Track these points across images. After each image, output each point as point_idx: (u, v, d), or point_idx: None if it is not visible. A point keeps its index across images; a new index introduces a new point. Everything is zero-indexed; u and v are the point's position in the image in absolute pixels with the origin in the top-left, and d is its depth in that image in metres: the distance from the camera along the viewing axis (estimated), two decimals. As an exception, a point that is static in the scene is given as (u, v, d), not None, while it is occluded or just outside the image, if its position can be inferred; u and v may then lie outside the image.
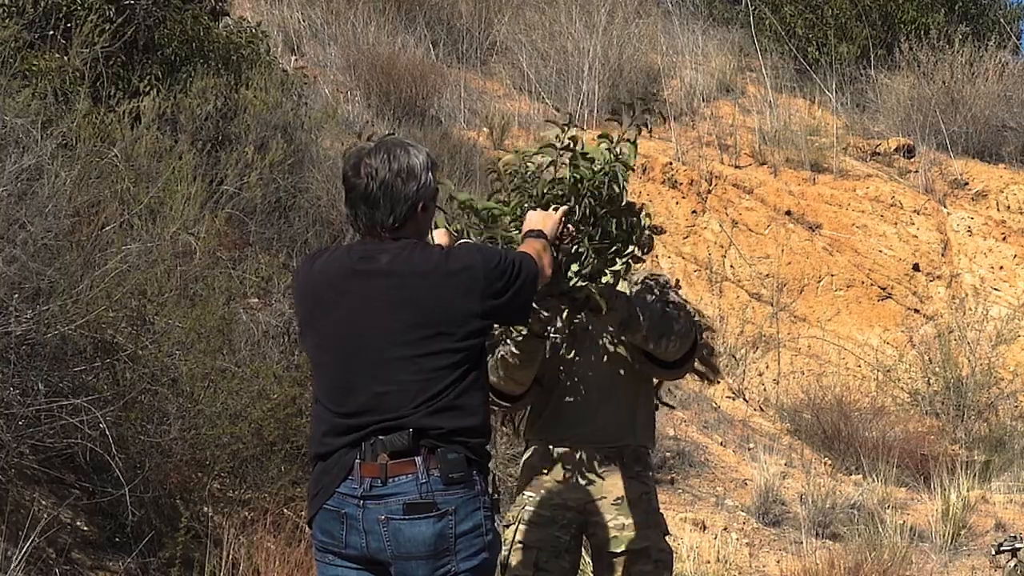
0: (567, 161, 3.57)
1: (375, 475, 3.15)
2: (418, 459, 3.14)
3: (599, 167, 3.56)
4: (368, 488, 3.15)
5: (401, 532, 3.14)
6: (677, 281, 4.09)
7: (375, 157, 3.26)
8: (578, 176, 3.55)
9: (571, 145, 3.57)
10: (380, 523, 3.14)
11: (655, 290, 3.90)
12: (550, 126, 3.63)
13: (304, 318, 3.36)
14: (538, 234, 3.47)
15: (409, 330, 3.19)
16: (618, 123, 3.68)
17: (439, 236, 3.54)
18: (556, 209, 3.51)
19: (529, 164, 3.63)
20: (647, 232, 3.66)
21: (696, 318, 3.92)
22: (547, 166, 3.60)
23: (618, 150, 3.60)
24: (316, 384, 3.34)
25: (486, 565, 3.21)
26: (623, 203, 3.60)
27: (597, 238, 3.56)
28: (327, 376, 3.28)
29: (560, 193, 3.55)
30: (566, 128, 3.58)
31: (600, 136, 3.64)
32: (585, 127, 11.42)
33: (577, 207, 3.55)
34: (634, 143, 3.64)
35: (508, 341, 3.74)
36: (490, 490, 3.23)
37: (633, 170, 3.69)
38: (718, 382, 4.30)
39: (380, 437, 3.16)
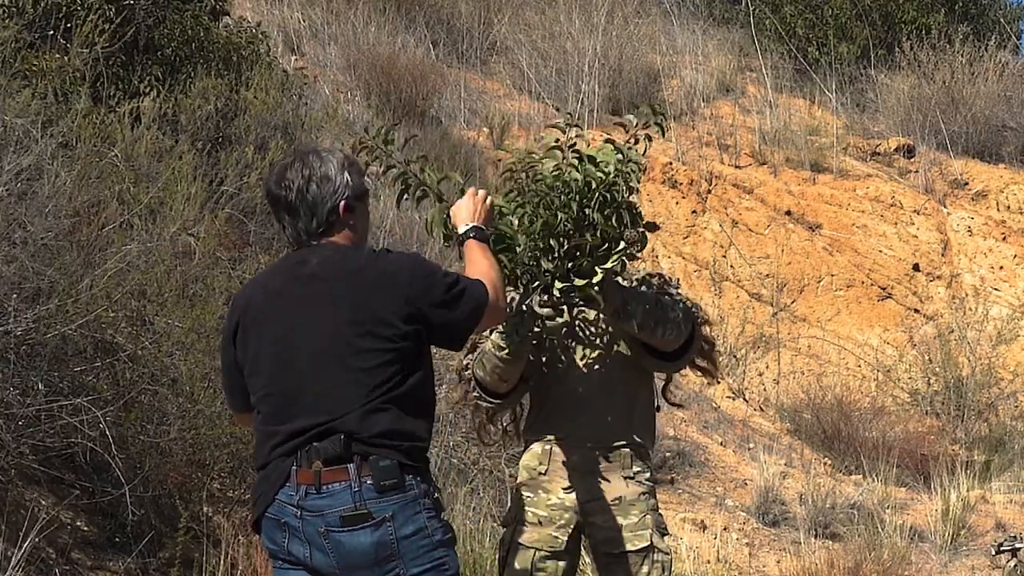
0: (574, 163, 3.57)
1: (309, 482, 3.14)
2: (351, 467, 3.12)
3: (610, 168, 3.56)
4: (304, 495, 3.14)
5: (342, 544, 3.12)
6: (678, 280, 4.09)
7: (291, 169, 3.29)
8: (587, 178, 3.54)
9: (576, 146, 3.57)
10: (320, 535, 3.14)
11: (652, 284, 3.90)
12: (552, 130, 3.64)
13: (238, 330, 3.35)
14: (477, 234, 3.43)
15: (338, 330, 3.19)
16: (624, 128, 3.68)
17: (467, 197, 3.52)
18: (475, 194, 3.47)
19: (538, 167, 3.62)
20: (641, 229, 3.66)
21: (694, 310, 3.92)
22: (553, 169, 3.60)
23: (630, 150, 3.60)
24: (255, 398, 3.33)
25: (443, 566, 3.18)
26: (633, 206, 3.61)
27: (593, 237, 3.56)
28: (264, 387, 3.28)
29: (568, 194, 3.54)
30: (568, 128, 3.58)
31: (606, 141, 3.64)
32: (585, 127, 11.42)
33: (586, 210, 3.54)
34: (649, 139, 3.65)
35: (493, 336, 3.73)
36: (430, 490, 3.20)
37: (645, 170, 3.70)
38: (719, 380, 4.30)
39: (315, 444, 3.15)
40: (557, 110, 13.09)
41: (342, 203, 3.27)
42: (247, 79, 8.36)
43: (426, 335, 3.27)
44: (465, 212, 3.48)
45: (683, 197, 12.34)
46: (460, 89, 12.69)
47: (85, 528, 5.38)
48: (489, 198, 3.51)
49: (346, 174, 3.29)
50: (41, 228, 5.23)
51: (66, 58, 7.20)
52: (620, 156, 3.58)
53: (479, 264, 3.37)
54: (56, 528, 5.12)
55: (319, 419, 3.17)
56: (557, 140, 3.60)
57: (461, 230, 3.46)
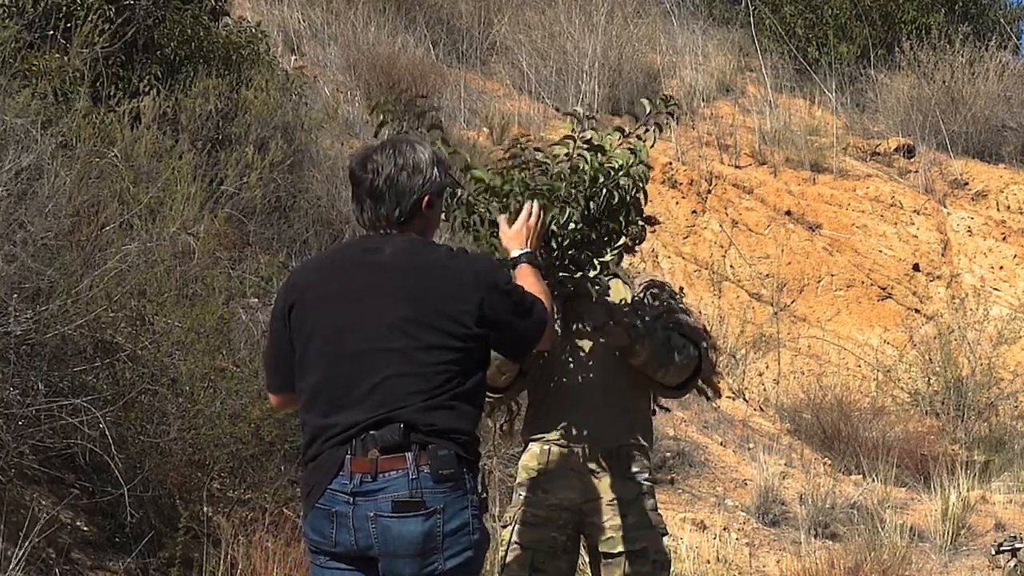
0: (584, 155, 3.55)
1: (365, 470, 3.12)
2: (409, 455, 3.11)
3: (618, 163, 3.54)
4: (359, 484, 3.12)
5: (389, 530, 3.12)
6: (681, 289, 4.08)
7: (381, 153, 3.29)
8: (596, 171, 3.53)
9: (591, 139, 3.56)
10: (369, 520, 3.12)
11: (661, 305, 3.88)
12: (568, 119, 3.62)
13: (294, 308, 3.30)
14: (529, 259, 3.45)
15: (405, 323, 3.17)
16: (636, 117, 3.66)
17: (502, 222, 3.54)
18: (529, 214, 3.48)
19: (550, 154, 3.61)
20: (640, 223, 3.65)
21: (703, 343, 3.90)
22: (564, 158, 3.58)
23: (640, 143, 3.58)
24: (303, 384, 3.28)
25: (471, 564, 3.18)
26: (637, 201, 3.59)
27: (596, 232, 3.55)
28: (317, 375, 3.25)
29: (576, 187, 3.52)
30: (584, 120, 3.57)
31: (615, 129, 3.61)
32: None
33: (592, 201, 3.52)
34: (660, 128, 3.63)
35: None
36: (479, 489, 3.20)
37: (651, 168, 3.69)
38: (715, 400, 4.29)
39: (371, 432, 3.13)
40: (557, 110, 13.10)
41: (427, 196, 3.28)
42: (247, 79, 8.37)
43: (492, 340, 3.27)
44: (517, 237, 3.49)
45: (683, 197, 12.33)
46: (460, 89, 12.69)
47: (85, 528, 5.38)
48: (539, 217, 3.49)
49: (435, 168, 3.29)
50: (41, 228, 5.23)
51: (66, 58, 7.20)
52: (632, 154, 3.57)
53: (534, 289, 3.38)
54: (56, 528, 5.12)
55: (377, 411, 3.15)
56: (573, 130, 3.58)
57: (514, 254, 3.47)
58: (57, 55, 7.20)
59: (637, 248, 3.73)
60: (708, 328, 4.07)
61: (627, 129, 3.60)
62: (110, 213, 5.97)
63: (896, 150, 13.54)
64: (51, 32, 7.35)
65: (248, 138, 7.99)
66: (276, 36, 11.44)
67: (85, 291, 5.19)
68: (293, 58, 11.49)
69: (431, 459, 3.11)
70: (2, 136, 5.64)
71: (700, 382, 3.98)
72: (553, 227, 3.53)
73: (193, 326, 5.65)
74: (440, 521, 3.11)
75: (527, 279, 3.41)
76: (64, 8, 7.46)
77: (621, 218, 3.58)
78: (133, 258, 5.60)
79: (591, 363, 3.83)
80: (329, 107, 9.85)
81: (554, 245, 3.55)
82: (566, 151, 3.59)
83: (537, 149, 3.59)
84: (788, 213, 12.50)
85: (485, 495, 3.22)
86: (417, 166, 3.27)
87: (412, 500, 3.10)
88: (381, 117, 3.60)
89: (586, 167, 3.53)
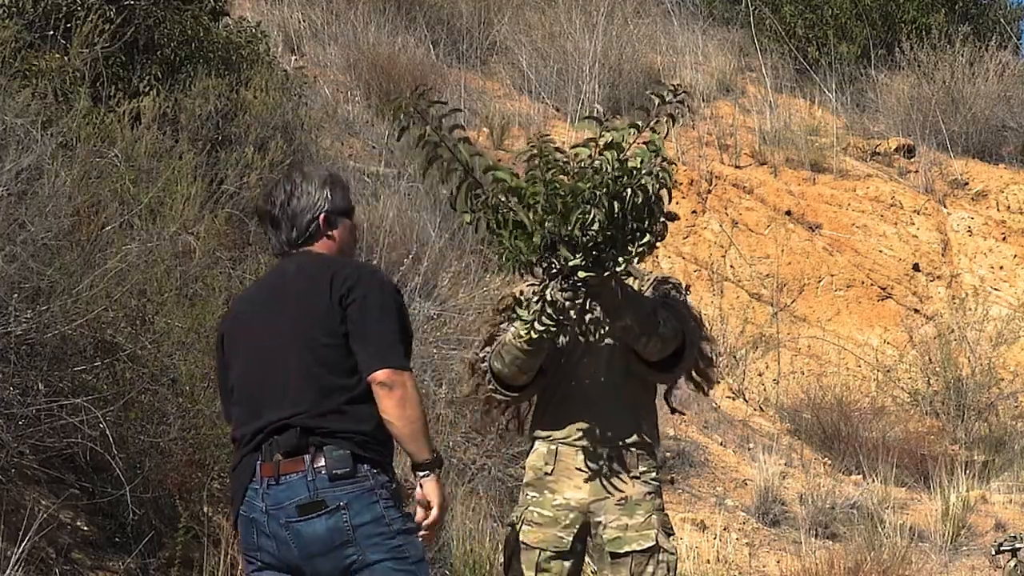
0: (606, 155, 3.52)
1: (270, 474, 3.31)
2: (307, 457, 3.29)
3: (640, 162, 3.51)
4: (266, 487, 3.31)
5: (301, 534, 3.27)
6: (688, 287, 4.06)
7: (277, 187, 3.57)
8: (618, 171, 3.50)
9: (611, 141, 3.53)
10: (283, 527, 3.29)
11: (664, 291, 3.87)
12: (590, 122, 3.60)
13: (224, 340, 3.55)
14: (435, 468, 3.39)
15: (296, 328, 3.38)
16: (647, 111, 3.63)
17: None
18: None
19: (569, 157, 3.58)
20: (662, 220, 3.62)
21: (697, 328, 3.88)
22: (585, 159, 3.56)
23: (650, 138, 3.55)
24: (232, 402, 3.52)
25: (402, 551, 3.28)
26: (660, 199, 3.56)
27: (622, 232, 3.52)
28: (236, 390, 3.48)
29: (598, 185, 3.49)
30: (604, 122, 3.55)
31: (630, 125, 3.58)
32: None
33: (616, 201, 3.49)
34: (673, 119, 3.60)
35: (513, 327, 3.70)
36: (389, 481, 3.32)
37: (675, 164, 3.66)
38: (707, 393, 4.27)
39: (275, 437, 3.33)
40: (557, 110, 13.10)
41: (321, 215, 3.50)
42: (247, 79, 8.36)
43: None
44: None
45: (683, 197, 12.33)
46: (460, 89, 12.68)
47: (85, 528, 5.38)
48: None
49: (326, 190, 3.52)
50: (41, 228, 5.23)
51: (66, 58, 7.20)
52: (655, 152, 3.54)
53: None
54: (56, 528, 5.12)
55: (280, 414, 3.34)
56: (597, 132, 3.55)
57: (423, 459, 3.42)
58: (57, 55, 7.20)
59: (658, 245, 3.71)
60: (707, 325, 4.05)
61: (640, 123, 3.57)
62: (110, 213, 5.97)
63: (896, 150, 13.53)
64: (51, 32, 7.35)
65: (248, 138, 7.99)
66: (276, 36, 11.44)
67: (85, 291, 5.19)
68: (293, 58, 11.49)
69: (326, 459, 3.27)
70: (2, 136, 5.64)
71: (695, 374, 3.97)
72: (577, 230, 3.50)
73: (193, 326, 5.65)
74: (347, 516, 3.25)
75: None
76: (64, 8, 7.45)
77: (645, 217, 3.56)
78: (133, 258, 5.60)
79: (602, 362, 3.82)
80: (329, 107, 9.85)
81: (577, 247, 3.52)
82: (588, 152, 3.56)
83: (557, 149, 3.58)
84: (788, 213, 12.50)
85: (396, 486, 3.34)
86: (305, 190, 3.50)
87: (313, 502, 3.26)
88: (401, 120, 3.59)
89: (608, 168, 3.51)
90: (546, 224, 3.49)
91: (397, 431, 3.32)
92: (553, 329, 3.64)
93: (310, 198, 3.49)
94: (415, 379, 3.40)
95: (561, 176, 3.52)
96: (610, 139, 3.53)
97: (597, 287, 3.59)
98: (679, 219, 3.88)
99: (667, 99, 3.58)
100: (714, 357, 4.06)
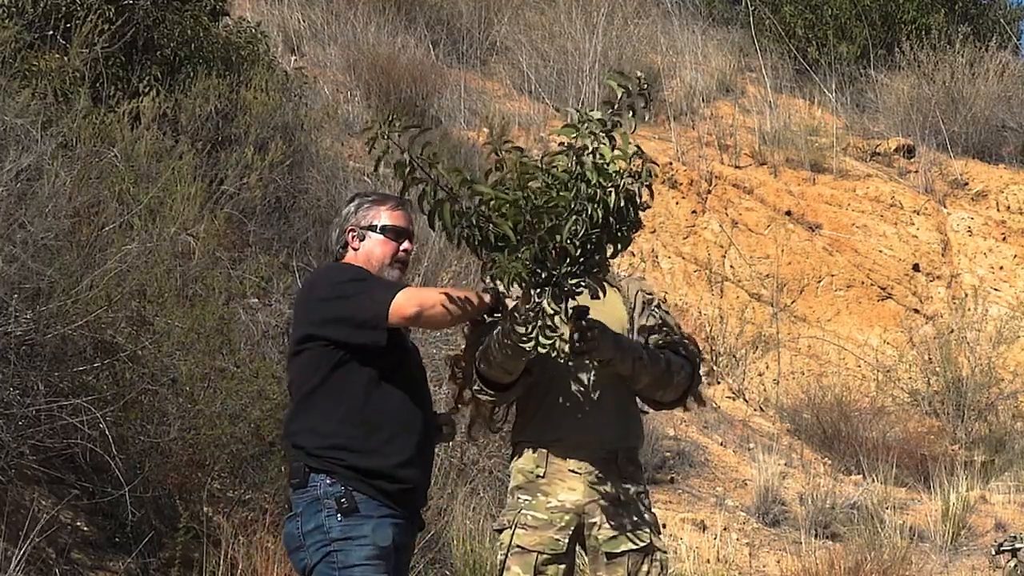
0: (584, 160, 3.50)
1: None
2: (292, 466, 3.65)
3: (621, 169, 3.49)
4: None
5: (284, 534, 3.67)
6: (664, 298, 4.06)
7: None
8: (597, 176, 3.48)
9: (594, 149, 3.50)
10: None
11: (658, 323, 3.89)
12: (568, 130, 3.56)
13: None
14: None
15: (291, 340, 3.73)
16: (611, 105, 3.59)
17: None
18: None
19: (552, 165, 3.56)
20: (637, 217, 3.60)
21: (697, 359, 3.94)
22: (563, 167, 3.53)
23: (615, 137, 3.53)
24: None
25: (332, 559, 3.49)
26: (635, 198, 3.55)
27: (605, 232, 3.51)
28: None
29: (578, 193, 3.47)
30: (582, 125, 3.53)
31: (598, 120, 3.54)
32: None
33: (598, 205, 3.48)
34: (634, 111, 3.58)
35: (500, 328, 3.69)
36: (339, 493, 3.52)
37: (656, 163, 3.64)
38: (687, 409, 4.31)
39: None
40: (557, 110, 13.09)
41: (348, 230, 3.80)
42: (247, 79, 8.36)
43: (331, 334, 3.61)
44: None
45: (683, 197, 12.33)
46: (460, 89, 12.68)
47: (85, 528, 5.38)
48: None
49: (349, 207, 3.84)
50: (41, 228, 5.23)
51: (66, 58, 7.20)
52: (636, 154, 3.52)
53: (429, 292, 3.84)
54: (56, 528, 5.12)
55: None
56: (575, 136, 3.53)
57: None
58: (57, 55, 7.20)
59: (633, 237, 3.70)
60: (695, 338, 4.09)
61: (605, 119, 3.54)
62: (110, 213, 5.98)
63: (896, 150, 13.53)
64: (51, 32, 7.35)
65: (248, 138, 7.98)
66: (276, 36, 11.44)
67: (85, 291, 5.20)
68: (293, 58, 11.49)
69: (290, 469, 3.61)
70: (2, 136, 5.64)
71: (690, 397, 4.04)
72: (565, 241, 3.48)
73: (193, 326, 5.65)
74: (300, 523, 3.54)
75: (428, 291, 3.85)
76: (64, 8, 7.46)
77: (627, 216, 3.55)
78: (133, 258, 5.60)
79: (589, 368, 3.83)
80: (329, 107, 9.85)
81: (567, 256, 3.51)
82: (566, 163, 3.54)
83: (517, 148, 3.54)
84: (788, 213, 12.50)
85: (344, 499, 3.51)
86: (340, 210, 3.89)
87: (288, 505, 3.63)
88: (376, 139, 3.56)
89: (592, 177, 3.48)
90: (536, 236, 3.46)
91: (445, 318, 3.64)
92: (554, 346, 3.63)
93: (340, 217, 3.83)
94: (401, 296, 3.56)
95: (541, 186, 3.50)
96: (588, 145, 3.50)
97: (599, 353, 3.64)
98: (643, 227, 3.85)
99: (631, 91, 3.58)
100: (703, 377, 4.11)
